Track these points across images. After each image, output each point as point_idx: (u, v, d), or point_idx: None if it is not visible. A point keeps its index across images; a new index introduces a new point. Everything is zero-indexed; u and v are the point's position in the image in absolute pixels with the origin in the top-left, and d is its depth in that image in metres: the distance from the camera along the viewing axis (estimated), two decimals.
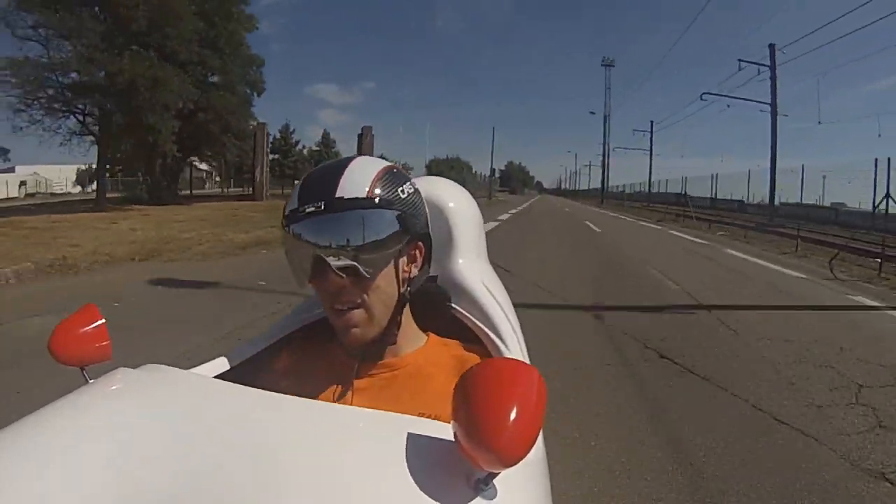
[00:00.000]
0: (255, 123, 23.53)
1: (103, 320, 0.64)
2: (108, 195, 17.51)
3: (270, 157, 28.96)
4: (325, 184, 0.64)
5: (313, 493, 0.40)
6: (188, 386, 0.57)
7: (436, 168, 60.25)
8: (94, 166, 18.75)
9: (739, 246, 10.62)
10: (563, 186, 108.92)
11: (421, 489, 0.40)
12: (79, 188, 37.90)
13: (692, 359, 3.19)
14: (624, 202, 39.80)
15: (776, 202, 21.05)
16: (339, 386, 0.69)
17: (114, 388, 0.57)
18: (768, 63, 22.57)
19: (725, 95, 23.29)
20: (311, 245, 0.62)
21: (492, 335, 0.78)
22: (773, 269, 7.53)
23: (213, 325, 3.67)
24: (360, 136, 26.18)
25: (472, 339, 0.80)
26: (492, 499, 0.42)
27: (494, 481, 0.42)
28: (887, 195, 14.20)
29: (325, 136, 43.71)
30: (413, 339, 0.73)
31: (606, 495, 1.79)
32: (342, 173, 0.64)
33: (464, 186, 1.06)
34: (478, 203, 1.08)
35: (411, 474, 0.41)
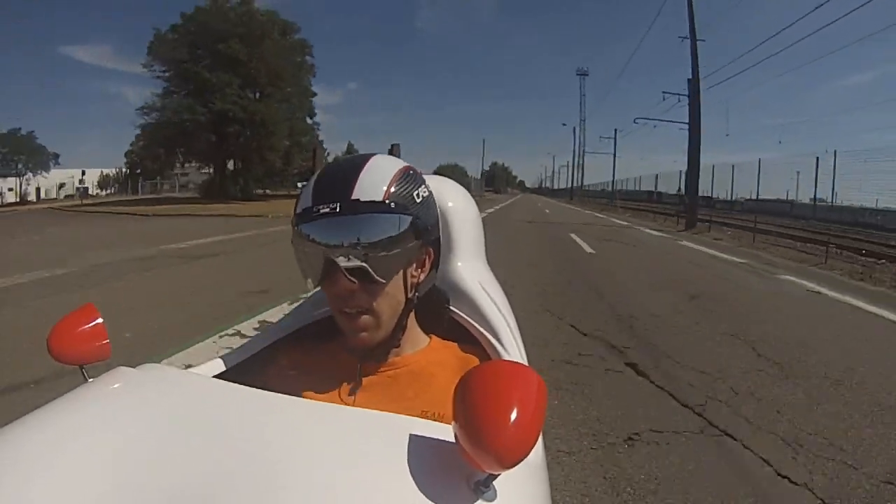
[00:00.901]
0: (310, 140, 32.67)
1: (101, 319, 0.64)
2: (172, 194, 28.56)
3: None
4: (340, 184, 0.62)
5: (312, 494, 0.40)
6: (187, 385, 0.58)
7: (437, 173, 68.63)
8: (125, 171, 29.66)
9: (628, 219, 19.43)
10: (543, 185, 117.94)
11: (420, 490, 0.40)
12: (105, 191, 46.00)
13: (565, 249, 11.82)
14: (584, 198, 49.00)
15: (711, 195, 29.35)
16: (342, 386, 0.68)
17: (113, 387, 0.56)
18: (686, 93, 31.48)
19: (652, 119, 32.08)
20: (323, 247, 0.61)
21: (490, 337, 0.78)
22: (641, 229, 14.40)
23: None
24: (389, 151, 34.86)
25: (470, 341, 0.79)
26: (492, 500, 0.42)
27: (494, 483, 0.42)
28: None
29: (350, 148, 50.69)
30: (416, 341, 0.73)
31: (525, 274, 7.30)
32: (359, 173, 0.62)
33: None
34: None
35: (411, 475, 0.42)
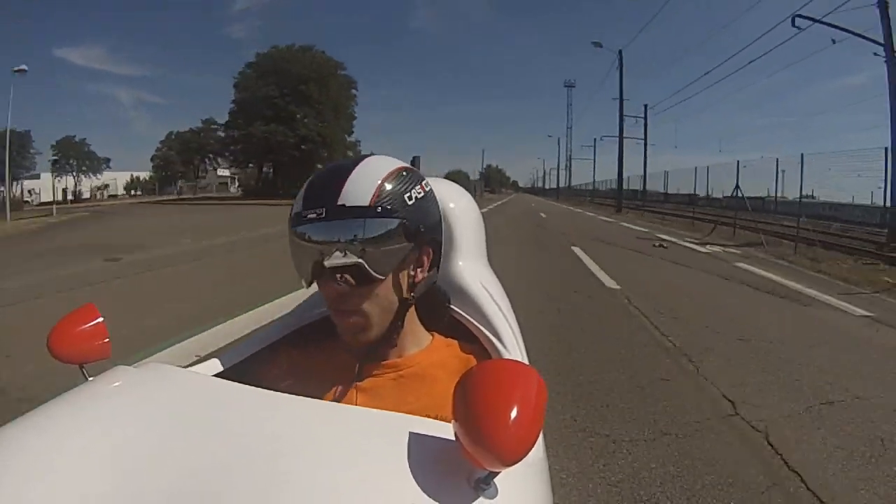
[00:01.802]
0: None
1: (102, 318, 0.65)
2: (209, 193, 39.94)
3: None
4: (327, 189, 0.62)
5: (313, 492, 0.41)
6: (187, 384, 0.58)
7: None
8: (150, 175, 42.21)
9: (585, 208, 28.20)
10: (535, 185, 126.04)
11: (422, 488, 0.41)
12: (128, 192, 52.41)
13: (546, 231, 20.72)
14: (568, 196, 56.54)
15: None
16: (342, 385, 0.68)
17: (113, 385, 0.57)
18: (643, 115, 40.64)
19: (613, 136, 40.68)
20: (314, 245, 0.62)
21: (491, 336, 0.79)
22: (584, 212, 24.50)
23: None
24: (411, 163, 45.03)
25: (470, 340, 0.80)
26: (492, 498, 0.42)
27: (495, 480, 0.42)
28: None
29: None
30: (418, 340, 0.73)
31: (510, 229, 14.27)
32: (346, 178, 0.62)
33: None
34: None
35: (412, 474, 0.42)
